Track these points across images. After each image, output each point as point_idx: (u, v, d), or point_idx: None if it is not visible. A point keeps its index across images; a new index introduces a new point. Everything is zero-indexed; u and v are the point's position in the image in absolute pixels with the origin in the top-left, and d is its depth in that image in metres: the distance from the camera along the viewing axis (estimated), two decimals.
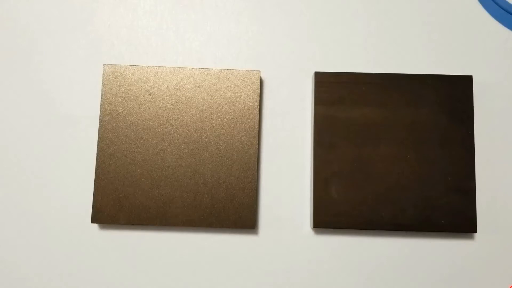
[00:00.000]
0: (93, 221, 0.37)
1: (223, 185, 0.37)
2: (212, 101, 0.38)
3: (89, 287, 0.38)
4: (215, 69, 0.38)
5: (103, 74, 0.38)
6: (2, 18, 0.41)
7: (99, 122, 0.38)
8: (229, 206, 0.37)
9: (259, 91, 0.38)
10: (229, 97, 0.38)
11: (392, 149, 0.37)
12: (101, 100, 0.38)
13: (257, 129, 0.38)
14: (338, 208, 0.37)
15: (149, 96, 0.38)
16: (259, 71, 0.38)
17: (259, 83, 0.38)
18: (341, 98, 0.38)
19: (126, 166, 0.37)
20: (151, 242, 0.38)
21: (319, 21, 0.41)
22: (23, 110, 0.40)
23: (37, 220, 0.38)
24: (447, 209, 0.36)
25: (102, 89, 0.38)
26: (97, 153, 0.37)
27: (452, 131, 0.37)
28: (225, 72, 0.38)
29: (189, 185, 0.37)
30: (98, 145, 0.37)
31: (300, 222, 0.38)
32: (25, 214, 0.38)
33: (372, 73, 0.38)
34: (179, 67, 0.38)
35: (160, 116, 0.38)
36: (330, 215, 0.37)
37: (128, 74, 0.38)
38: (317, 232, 0.38)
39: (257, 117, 0.38)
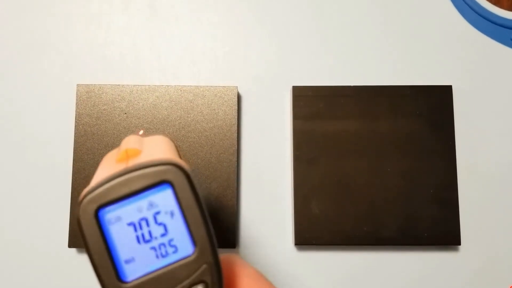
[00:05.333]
0: (70, 245, 0.36)
1: None
2: (189, 119, 0.37)
3: None
4: (191, 86, 0.38)
5: (77, 94, 0.37)
6: None
7: (74, 143, 0.37)
8: None
9: (237, 107, 0.38)
10: (207, 114, 0.37)
11: (372, 162, 0.37)
12: (75, 121, 0.37)
13: (236, 146, 0.37)
14: (320, 224, 0.36)
15: (124, 115, 0.37)
16: (236, 86, 0.38)
17: (236, 99, 0.38)
18: (320, 112, 0.37)
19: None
20: None
21: (295, 35, 0.40)
22: None
23: (12, 248, 0.37)
24: (430, 222, 0.36)
25: (76, 109, 0.37)
26: (72, 175, 0.37)
27: (433, 142, 0.37)
28: (201, 89, 0.38)
29: None
30: (73, 167, 0.37)
31: (282, 239, 0.37)
32: None
33: (350, 86, 0.38)
34: (155, 85, 0.38)
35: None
36: (312, 231, 0.36)
37: (103, 93, 0.38)
38: (299, 249, 0.37)
39: (235, 134, 0.37)
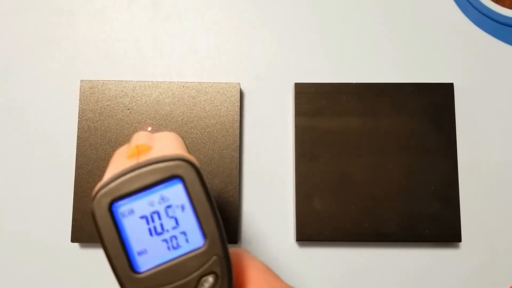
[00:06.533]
0: (73, 240, 0.36)
1: None
2: (192, 115, 0.38)
3: None
4: (194, 82, 0.38)
5: (80, 90, 0.38)
6: None
7: (77, 139, 0.37)
8: None
9: (239, 104, 0.38)
10: (209, 110, 0.38)
11: (374, 159, 0.37)
12: (79, 117, 0.37)
13: (238, 142, 0.37)
14: (322, 220, 0.36)
15: (127, 111, 0.38)
16: (239, 83, 0.38)
17: (239, 95, 0.38)
18: (322, 109, 0.38)
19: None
20: None
21: (298, 32, 0.40)
22: None
23: (15, 242, 0.38)
24: (431, 219, 0.36)
25: (79, 105, 0.38)
26: (76, 171, 0.37)
27: (434, 139, 0.37)
28: (204, 85, 0.38)
29: None
30: (76, 162, 0.37)
31: (284, 235, 0.38)
32: (1, 236, 0.38)
33: (353, 83, 0.38)
34: (158, 81, 0.38)
35: (138, 130, 0.37)
36: (313, 227, 0.36)
37: (106, 89, 0.38)
38: (301, 245, 0.38)
39: (238, 130, 0.37)
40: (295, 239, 0.37)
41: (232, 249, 0.21)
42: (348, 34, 0.40)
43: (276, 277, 0.22)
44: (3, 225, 0.38)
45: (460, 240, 0.36)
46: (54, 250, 0.37)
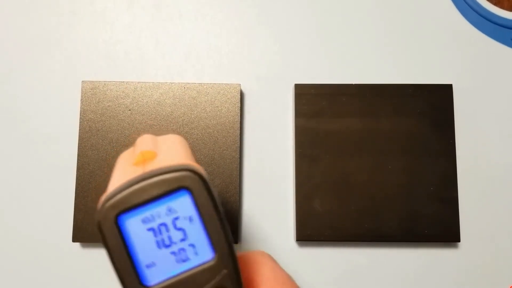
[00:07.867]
0: (74, 240, 0.36)
1: None
2: (193, 116, 0.38)
3: None
4: (195, 83, 0.38)
5: (82, 90, 0.38)
6: None
7: (79, 139, 0.37)
8: None
9: (239, 105, 0.38)
10: (210, 111, 0.38)
11: (374, 160, 0.37)
12: (80, 117, 0.38)
13: (239, 143, 0.38)
14: (322, 221, 0.36)
15: (129, 112, 0.38)
16: (239, 84, 0.38)
17: (239, 96, 0.38)
18: (322, 110, 0.38)
19: (107, 183, 0.37)
20: None
21: (298, 33, 0.41)
22: (0, 129, 0.39)
23: (16, 242, 0.38)
24: (431, 219, 0.36)
25: (80, 106, 0.38)
26: (77, 171, 0.37)
27: (433, 140, 0.37)
28: (205, 86, 0.38)
29: None
30: (77, 162, 0.37)
31: (284, 235, 0.38)
32: (3, 235, 0.38)
33: (352, 84, 0.38)
34: (159, 82, 0.38)
35: (141, 132, 0.37)
36: (313, 227, 0.36)
37: (107, 90, 0.38)
38: (301, 245, 0.38)
39: (238, 131, 0.38)
40: (295, 239, 0.37)
41: (250, 252, 0.21)
42: (348, 35, 0.40)
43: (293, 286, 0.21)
44: (4, 225, 0.38)
45: (459, 240, 0.36)
46: (55, 249, 0.38)
